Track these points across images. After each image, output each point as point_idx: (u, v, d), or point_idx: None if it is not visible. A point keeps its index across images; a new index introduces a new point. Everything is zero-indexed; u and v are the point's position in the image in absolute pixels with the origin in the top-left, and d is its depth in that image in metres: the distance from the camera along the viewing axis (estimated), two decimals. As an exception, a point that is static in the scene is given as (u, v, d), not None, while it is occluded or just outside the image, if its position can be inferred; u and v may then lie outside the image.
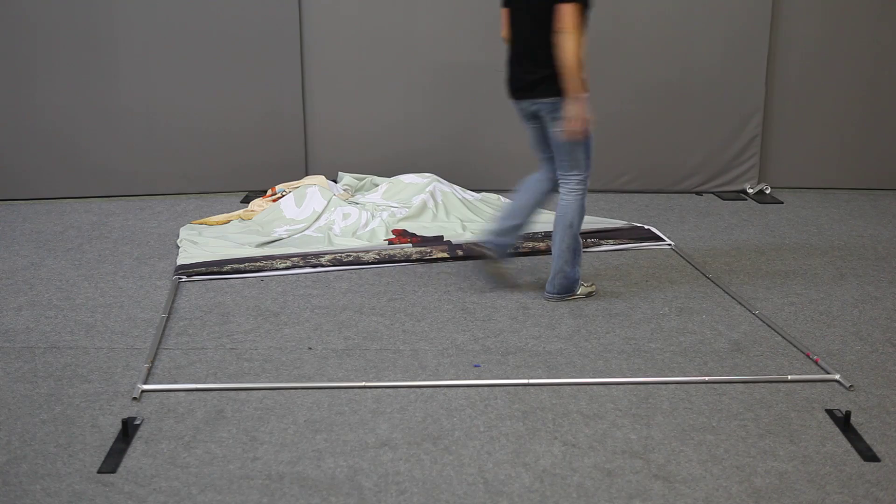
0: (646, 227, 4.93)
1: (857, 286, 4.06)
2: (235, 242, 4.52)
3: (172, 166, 5.71)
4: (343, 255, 4.34)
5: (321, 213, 4.90)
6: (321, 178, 5.53)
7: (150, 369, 3.09)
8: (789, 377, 3.08)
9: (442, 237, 4.65)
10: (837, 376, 3.08)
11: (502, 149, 5.90)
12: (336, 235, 4.67)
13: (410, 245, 4.50)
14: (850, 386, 3.01)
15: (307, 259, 4.26)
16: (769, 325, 3.56)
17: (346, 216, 4.87)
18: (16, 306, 3.73)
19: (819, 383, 3.04)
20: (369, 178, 5.68)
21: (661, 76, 5.79)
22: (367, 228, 4.75)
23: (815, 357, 3.24)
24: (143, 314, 3.65)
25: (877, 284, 4.11)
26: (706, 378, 3.07)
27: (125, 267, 4.28)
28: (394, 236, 4.63)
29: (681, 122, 5.91)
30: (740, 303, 3.82)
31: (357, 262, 4.27)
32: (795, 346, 3.35)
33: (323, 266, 4.21)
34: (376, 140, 5.84)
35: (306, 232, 4.76)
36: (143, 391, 2.92)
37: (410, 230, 4.72)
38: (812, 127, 5.96)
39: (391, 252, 4.39)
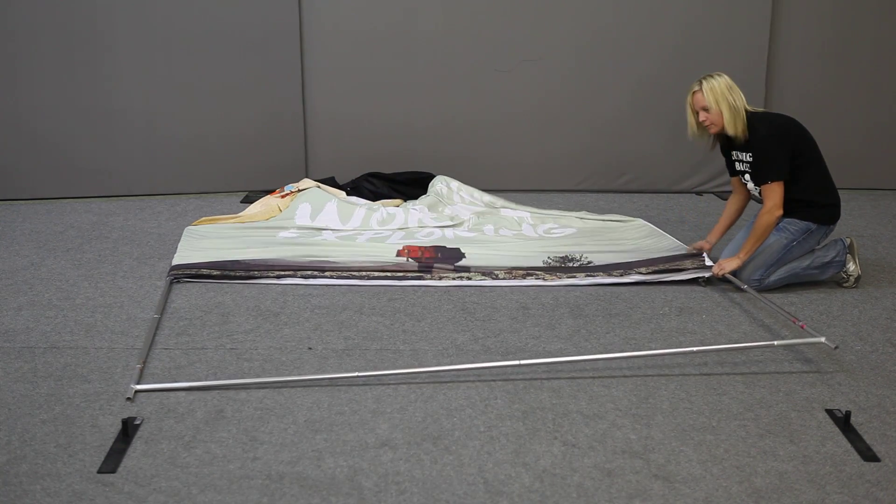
0: (703, 256, 4.21)
1: (857, 286, 4.05)
2: (238, 244, 4.44)
3: (172, 166, 5.71)
4: (343, 270, 4.09)
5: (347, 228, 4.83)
6: (336, 191, 5.37)
7: (142, 370, 3.07)
8: (776, 342, 3.22)
9: (458, 249, 4.43)
10: (822, 338, 3.19)
11: (502, 149, 5.91)
12: (356, 240, 4.57)
13: (413, 261, 4.23)
14: (836, 346, 3.16)
15: (304, 272, 4.06)
16: (760, 298, 3.72)
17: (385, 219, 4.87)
18: (16, 306, 3.73)
19: (815, 377, 3.05)
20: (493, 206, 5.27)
21: (661, 76, 5.79)
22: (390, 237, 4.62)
23: (800, 323, 3.37)
24: (143, 314, 3.65)
25: (877, 284, 4.11)
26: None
27: (125, 267, 4.28)
28: (402, 248, 4.41)
29: (681, 122, 5.90)
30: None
31: (351, 278, 4.04)
32: (780, 310, 3.52)
33: (320, 278, 4.03)
34: (376, 140, 5.84)
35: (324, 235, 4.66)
36: (136, 391, 2.92)
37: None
38: (812, 127, 5.95)
39: (391, 269, 4.12)
